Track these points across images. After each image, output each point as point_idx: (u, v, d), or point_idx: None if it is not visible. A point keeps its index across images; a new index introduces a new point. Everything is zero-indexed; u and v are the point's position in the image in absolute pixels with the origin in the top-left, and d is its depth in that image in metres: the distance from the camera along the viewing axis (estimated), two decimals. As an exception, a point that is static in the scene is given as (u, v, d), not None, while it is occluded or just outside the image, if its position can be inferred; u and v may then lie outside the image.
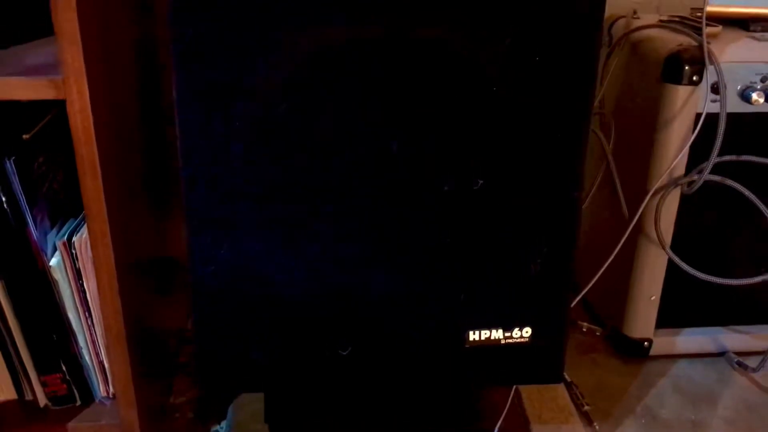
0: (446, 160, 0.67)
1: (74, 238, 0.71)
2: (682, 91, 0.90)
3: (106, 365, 0.76)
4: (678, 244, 0.96)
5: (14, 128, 0.70)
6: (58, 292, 0.72)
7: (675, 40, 0.92)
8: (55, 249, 0.71)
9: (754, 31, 0.95)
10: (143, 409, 0.77)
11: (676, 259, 0.95)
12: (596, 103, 1.01)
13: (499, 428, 0.86)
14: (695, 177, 0.92)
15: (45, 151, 0.73)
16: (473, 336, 0.74)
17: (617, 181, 0.96)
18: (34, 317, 0.73)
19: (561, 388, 0.98)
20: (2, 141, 0.68)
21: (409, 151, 0.66)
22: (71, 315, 0.74)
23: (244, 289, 0.69)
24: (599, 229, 1.06)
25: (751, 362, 1.03)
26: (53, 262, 0.71)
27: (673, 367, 1.05)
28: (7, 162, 0.67)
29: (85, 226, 0.68)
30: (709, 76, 0.88)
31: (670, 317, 1.03)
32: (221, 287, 0.68)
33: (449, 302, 0.72)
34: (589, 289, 0.91)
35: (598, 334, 1.12)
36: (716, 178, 0.91)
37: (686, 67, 0.88)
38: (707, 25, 0.89)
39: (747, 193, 0.91)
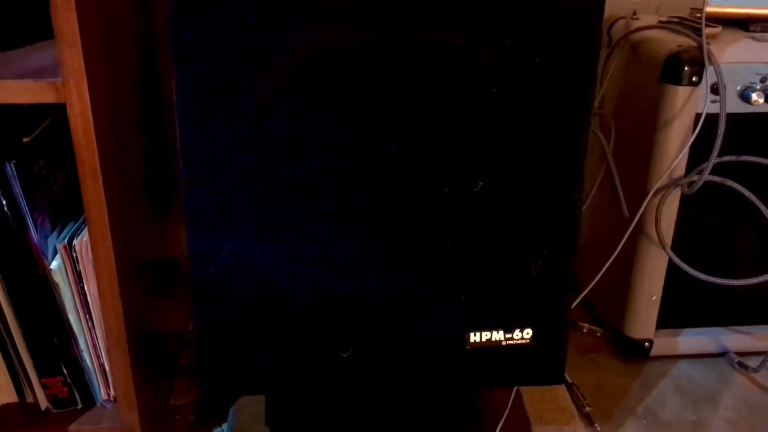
0: (446, 161, 0.67)
1: (75, 241, 0.71)
2: (681, 92, 0.90)
3: (107, 368, 0.76)
4: (678, 245, 0.96)
5: (14, 131, 0.70)
6: (59, 294, 0.72)
7: (674, 41, 0.92)
8: (55, 252, 0.71)
9: (754, 31, 0.95)
10: (144, 411, 0.77)
11: (677, 260, 0.95)
12: (596, 104, 1.01)
13: (501, 429, 0.86)
14: (695, 177, 0.92)
15: (45, 154, 0.73)
16: (474, 337, 0.74)
17: (617, 181, 0.96)
18: (35, 320, 0.73)
19: (562, 389, 0.98)
20: (3, 144, 0.68)
21: (409, 152, 0.66)
22: (72, 318, 0.74)
23: (244, 291, 0.69)
24: (599, 229, 1.06)
25: (752, 362, 1.03)
26: (54, 265, 0.71)
27: (674, 367, 1.05)
28: (8, 165, 0.67)
29: (86, 228, 0.68)
30: (709, 76, 0.88)
31: (671, 318, 1.03)
32: (222, 289, 0.68)
33: (450, 304, 0.72)
34: (590, 289, 0.91)
35: (598, 334, 1.12)
36: (716, 178, 0.91)
37: (686, 68, 0.88)
38: (707, 25, 0.89)
39: (747, 193, 0.91)
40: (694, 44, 0.90)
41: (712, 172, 0.90)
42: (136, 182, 0.81)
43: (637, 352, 1.05)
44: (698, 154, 0.91)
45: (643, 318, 1.03)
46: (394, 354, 0.74)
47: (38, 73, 0.63)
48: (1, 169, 0.67)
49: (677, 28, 0.96)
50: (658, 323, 1.03)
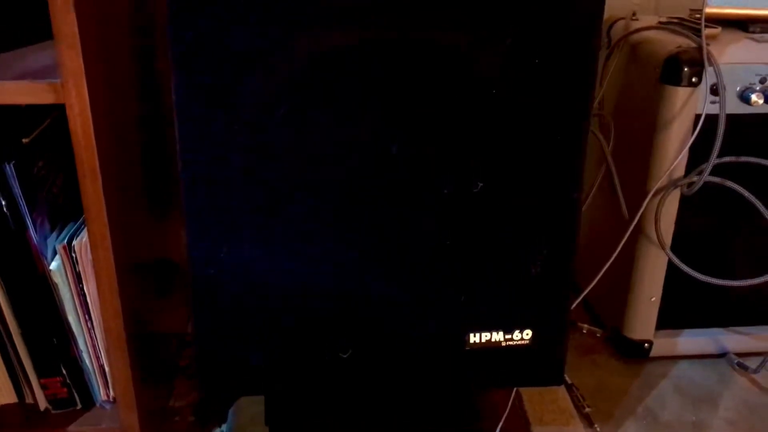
0: (446, 162, 0.67)
1: (74, 242, 0.71)
2: (681, 93, 0.90)
3: (107, 368, 0.76)
4: (678, 245, 0.96)
5: (14, 132, 0.70)
6: (58, 295, 0.72)
7: (674, 42, 0.92)
8: (55, 252, 0.71)
9: (754, 32, 0.96)
10: (144, 412, 0.77)
11: (676, 261, 0.95)
12: (596, 105, 1.02)
13: (500, 430, 0.86)
14: (695, 178, 0.92)
15: (45, 154, 0.73)
16: (474, 338, 0.74)
17: (617, 182, 0.96)
18: (35, 321, 0.73)
19: (562, 389, 0.98)
20: (2, 145, 0.68)
21: (409, 153, 0.66)
22: (71, 318, 0.74)
23: (244, 292, 0.69)
24: (599, 230, 1.06)
25: (752, 363, 1.03)
26: (53, 265, 0.71)
27: (674, 368, 1.05)
28: (7, 166, 0.67)
29: (85, 229, 0.68)
30: (709, 77, 0.88)
31: (671, 318, 1.03)
32: (221, 290, 0.68)
33: (449, 304, 0.72)
34: (590, 290, 0.91)
35: (598, 335, 1.12)
36: (716, 179, 0.91)
37: (685, 69, 0.89)
38: (706, 26, 0.89)
39: (746, 194, 0.91)
40: (694, 45, 0.90)
41: (711, 173, 0.90)
42: (136, 183, 0.80)
43: (636, 353, 1.05)
44: (698, 154, 0.91)
45: (643, 319, 1.03)
46: (393, 354, 0.74)
47: (37, 74, 0.63)
48: (0, 169, 0.67)
49: (677, 28, 0.96)
50: (658, 324, 1.03)
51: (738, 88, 0.90)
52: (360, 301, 0.70)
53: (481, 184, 0.68)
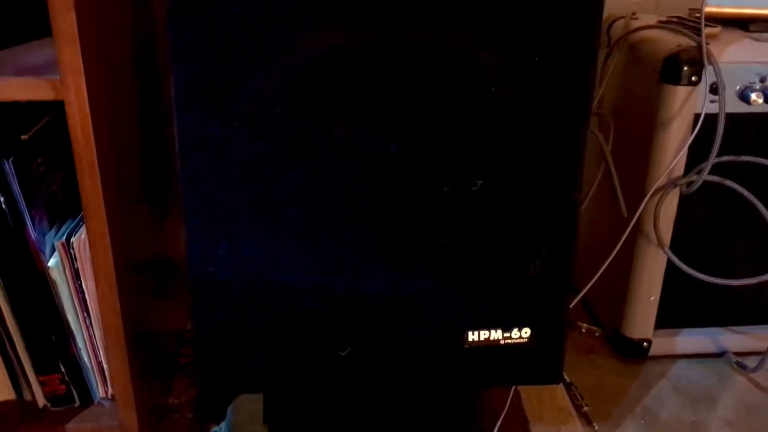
0: (446, 161, 0.67)
1: (73, 239, 0.71)
2: (680, 92, 0.90)
3: (105, 366, 0.76)
4: (677, 245, 0.96)
5: (13, 129, 0.70)
6: (57, 292, 0.72)
7: (674, 41, 0.92)
8: (53, 250, 0.71)
9: (753, 31, 0.95)
10: (142, 410, 0.77)
11: (675, 260, 0.95)
12: (595, 104, 1.01)
13: (499, 429, 0.86)
14: (694, 177, 0.92)
15: (43, 151, 0.73)
16: (472, 336, 0.74)
17: (616, 181, 0.96)
18: (33, 318, 0.73)
19: (560, 388, 0.98)
20: (1, 142, 0.68)
21: (408, 152, 0.66)
22: (70, 316, 0.74)
23: (243, 290, 0.69)
24: (598, 229, 1.06)
25: (750, 362, 1.03)
26: (52, 262, 0.71)
27: (673, 367, 1.05)
28: (6, 163, 0.66)
29: (84, 226, 0.68)
30: (708, 76, 0.88)
31: (669, 318, 1.03)
32: (220, 288, 0.68)
33: (448, 303, 0.72)
34: (589, 289, 0.91)
35: (597, 334, 1.12)
36: (715, 178, 0.91)
37: (685, 68, 0.88)
38: (706, 25, 0.89)
39: (746, 193, 0.91)
40: (694, 44, 0.90)
41: (711, 172, 0.90)
42: (135, 180, 0.80)
43: (635, 352, 1.05)
44: (697, 154, 0.91)
45: (642, 318, 1.03)
46: (392, 353, 0.74)
47: (36, 71, 0.63)
48: (-1, 166, 0.67)
49: (676, 28, 0.96)
50: (657, 323, 1.03)
51: (738, 88, 0.90)
52: (359, 299, 0.71)
53: (480, 183, 0.68)
